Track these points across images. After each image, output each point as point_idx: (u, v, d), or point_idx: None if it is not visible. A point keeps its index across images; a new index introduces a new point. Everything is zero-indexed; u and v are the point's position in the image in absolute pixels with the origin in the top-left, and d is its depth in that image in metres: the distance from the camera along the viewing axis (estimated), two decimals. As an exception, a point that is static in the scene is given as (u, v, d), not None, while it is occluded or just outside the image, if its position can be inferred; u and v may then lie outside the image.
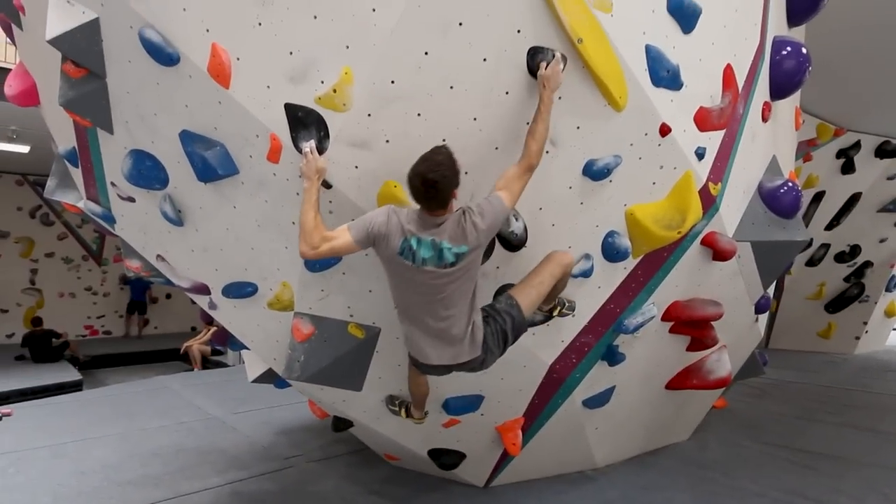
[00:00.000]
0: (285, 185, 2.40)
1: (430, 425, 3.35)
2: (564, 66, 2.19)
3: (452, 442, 3.51)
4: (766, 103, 3.27)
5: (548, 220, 2.62)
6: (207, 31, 2.19)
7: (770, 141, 3.49)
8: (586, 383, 3.34)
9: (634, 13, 2.33)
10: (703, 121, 2.69)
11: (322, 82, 2.16)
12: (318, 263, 2.59)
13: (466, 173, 2.37)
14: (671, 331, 3.45)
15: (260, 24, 2.13)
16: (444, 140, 2.30)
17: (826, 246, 9.04)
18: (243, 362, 4.39)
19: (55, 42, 2.39)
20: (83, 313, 13.17)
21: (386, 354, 2.99)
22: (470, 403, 3.24)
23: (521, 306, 2.49)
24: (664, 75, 2.43)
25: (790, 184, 3.36)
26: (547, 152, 2.32)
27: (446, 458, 3.56)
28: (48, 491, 3.65)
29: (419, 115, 2.22)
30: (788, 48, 3.27)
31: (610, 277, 2.94)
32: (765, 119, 3.29)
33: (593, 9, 2.18)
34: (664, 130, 2.52)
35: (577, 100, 2.31)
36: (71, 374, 9.42)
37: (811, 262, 9.16)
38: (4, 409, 5.85)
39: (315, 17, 2.09)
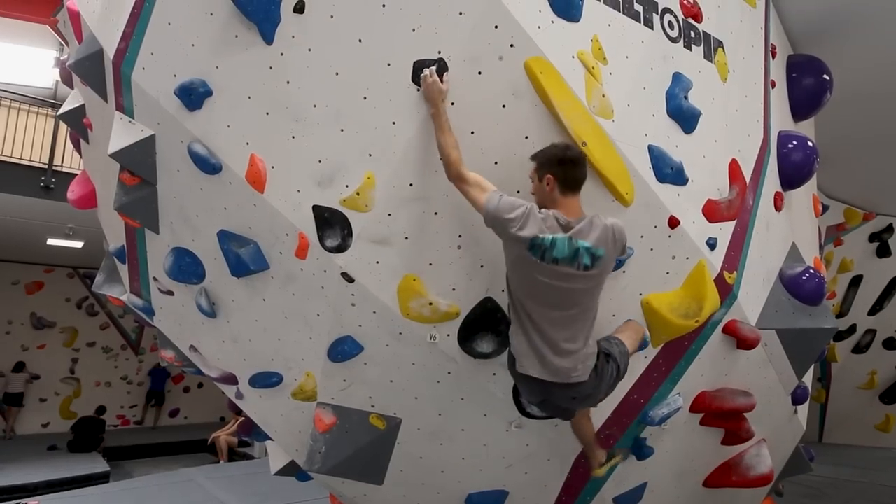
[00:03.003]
0: (311, 279, 2.55)
1: (454, 524, 3.23)
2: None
3: (477, 542, 3.36)
4: (777, 193, 3.36)
5: (564, 310, 2.67)
6: (247, 143, 2.46)
7: (787, 229, 3.53)
8: (615, 479, 3.21)
9: (635, 117, 2.52)
10: (712, 213, 2.78)
11: (347, 186, 2.37)
12: (340, 354, 2.68)
13: (482, 266, 2.49)
14: (702, 423, 3.34)
15: (293, 136, 2.40)
16: (459, 236, 2.45)
17: (872, 332, 8.64)
18: (267, 454, 4.37)
19: (116, 155, 2.71)
20: (117, 402, 13.35)
21: (408, 446, 2.97)
22: (494, 500, 3.14)
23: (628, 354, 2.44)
24: (668, 172, 2.56)
25: (812, 270, 3.35)
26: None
27: (471, 561, 3.39)
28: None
29: (436, 213, 2.39)
30: (794, 142, 3.40)
31: (631, 367, 2.90)
32: (778, 208, 3.36)
33: (595, 115, 2.37)
34: (673, 223, 2.61)
35: (586, 196, 2.42)
36: (99, 465, 9.45)
37: (858, 350, 8.73)
38: (31, 501, 5.88)
39: (342, 130, 2.34)
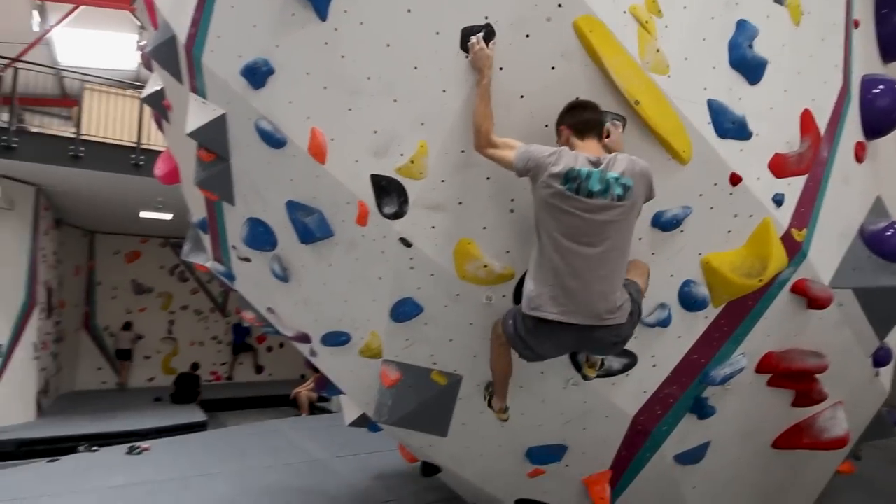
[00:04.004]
0: (372, 245, 2.70)
1: (515, 474, 3.38)
2: (624, 126, 2.32)
3: (539, 493, 3.50)
4: (859, 143, 3.12)
5: (620, 271, 2.67)
6: (308, 118, 2.59)
7: (870, 181, 3.29)
8: (676, 437, 3.23)
9: (694, 71, 2.42)
10: (780, 167, 2.65)
11: (402, 155, 2.47)
12: (402, 314, 2.83)
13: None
14: (769, 384, 3.26)
15: (350, 109, 2.50)
16: (512, 200, 2.50)
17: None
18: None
19: (193, 134, 2.93)
20: (209, 360, 14.60)
21: (470, 401, 3.11)
22: (553, 453, 3.25)
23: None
24: (729, 126, 2.46)
25: (897, 225, 3.12)
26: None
27: (533, 510, 3.54)
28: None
29: (488, 178, 2.44)
30: (881, 86, 3.12)
31: (690, 327, 2.89)
32: (860, 160, 3.13)
33: (649, 72, 2.30)
34: (735, 179, 2.52)
35: (640, 155, 2.38)
36: (198, 415, 10.46)
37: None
38: (144, 444, 6.65)
39: (395, 101, 2.42)
